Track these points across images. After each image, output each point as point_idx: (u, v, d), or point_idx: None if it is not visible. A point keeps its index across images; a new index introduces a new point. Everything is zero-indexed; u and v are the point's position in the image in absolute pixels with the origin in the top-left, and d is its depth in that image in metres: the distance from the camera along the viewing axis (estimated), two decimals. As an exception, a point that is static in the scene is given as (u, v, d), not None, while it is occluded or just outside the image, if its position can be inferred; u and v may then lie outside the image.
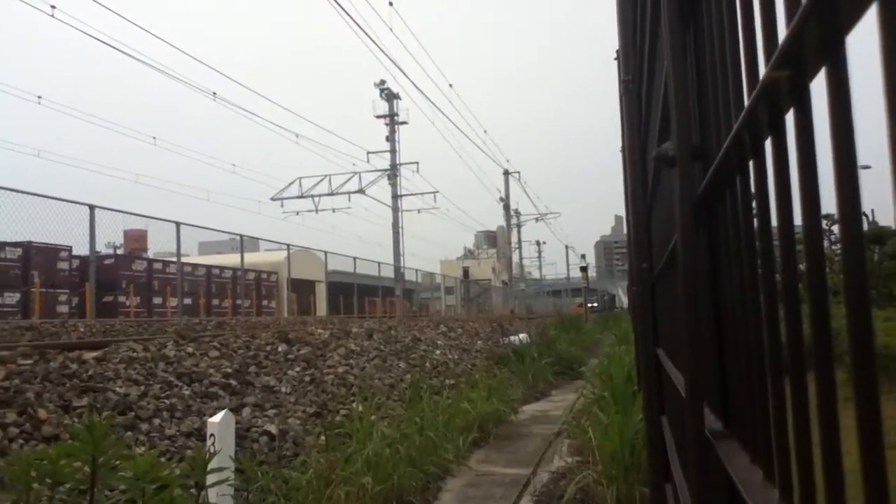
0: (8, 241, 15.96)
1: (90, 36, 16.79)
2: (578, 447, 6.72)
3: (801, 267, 0.70)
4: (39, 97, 25.19)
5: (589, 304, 52.87)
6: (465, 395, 8.69)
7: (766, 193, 0.85)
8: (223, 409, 5.26)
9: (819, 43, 0.58)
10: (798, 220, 0.69)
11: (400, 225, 32.18)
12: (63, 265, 18.25)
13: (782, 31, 0.66)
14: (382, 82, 31.98)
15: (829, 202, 0.62)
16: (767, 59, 0.73)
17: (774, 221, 0.78)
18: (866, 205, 0.56)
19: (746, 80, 0.93)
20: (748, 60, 0.91)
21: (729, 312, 1.27)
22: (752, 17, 0.89)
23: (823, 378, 0.62)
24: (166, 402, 6.25)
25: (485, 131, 41.81)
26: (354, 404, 7.26)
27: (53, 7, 16.05)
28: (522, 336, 18.60)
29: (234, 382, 7.42)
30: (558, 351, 15.50)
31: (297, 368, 8.88)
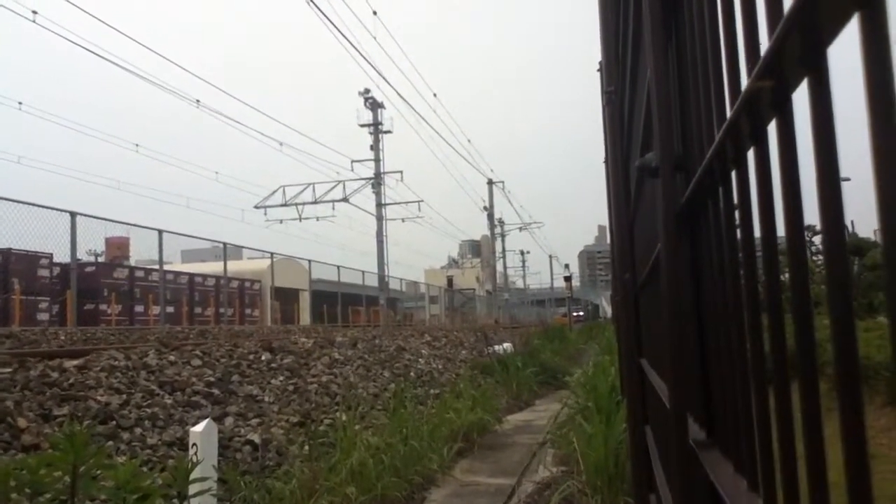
0: (-13, 248, 15.83)
1: (72, 42, 16.71)
2: (563, 457, 6.72)
3: (784, 277, 0.71)
4: (20, 103, 24.97)
5: (575, 314, 52.97)
6: (449, 405, 8.67)
7: (749, 204, 0.86)
8: (206, 418, 5.22)
9: (801, 54, 0.58)
10: (781, 230, 0.70)
11: (384, 234, 32.11)
12: (44, 272, 18.08)
13: (765, 42, 0.66)
14: (367, 91, 31.97)
15: (811, 213, 0.62)
16: (750, 70, 0.74)
17: (757, 232, 0.79)
18: (847, 216, 0.56)
19: (729, 90, 0.94)
20: (730, 71, 0.92)
21: (712, 322, 1.27)
22: (734, 28, 0.90)
23: (807, 388, 0.62)
24: (148, 410, 6.20)
25: (469, 140, 41.85)
26: (338, 413, 7.22)
27: (35, 12, 15.95)
28: (507, 345, 18.60)
29: (216, 391, 7.37)
30: (542, 360, 15.51)
31: (281, 377, 8.84)
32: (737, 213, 0.94)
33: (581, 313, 70.68)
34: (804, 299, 0.63)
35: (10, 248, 16.46)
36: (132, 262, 25.05)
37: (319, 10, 16.58)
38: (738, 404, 0.98)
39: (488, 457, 7.59)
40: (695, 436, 1.39)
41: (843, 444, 0.52)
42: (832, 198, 0.54)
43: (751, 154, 0.81)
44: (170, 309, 21.33)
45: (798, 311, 0.63)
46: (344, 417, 6.63)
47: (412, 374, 12.26)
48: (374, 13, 24.26)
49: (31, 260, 17.63)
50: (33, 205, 13.74)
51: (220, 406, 7.08)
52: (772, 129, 0.70)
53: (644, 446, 3.11)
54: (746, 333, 0.91)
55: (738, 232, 0.94)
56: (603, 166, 7.82)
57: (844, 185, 0.55)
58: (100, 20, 15.99)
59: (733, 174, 0.94)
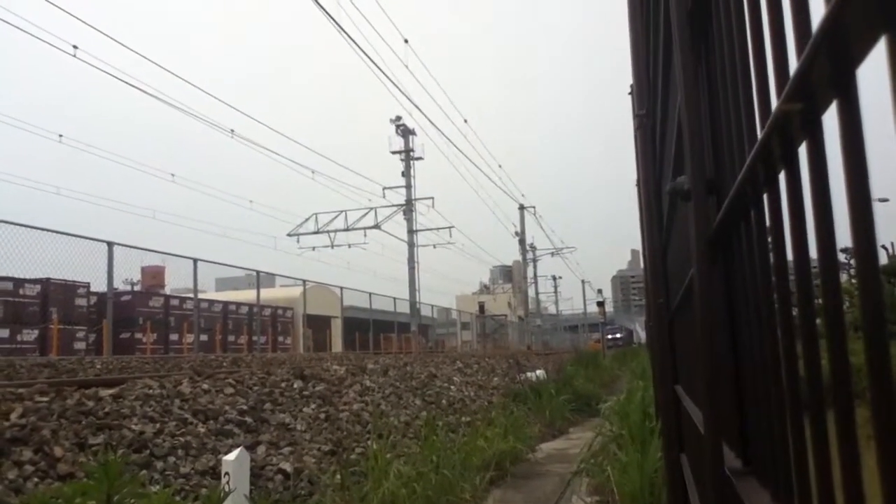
0: (27, 277, 16.12)
1: (111, 75, 17.15)
2: (597, 486, 6.62)
3: (819, 301, 0.69)
4: (60, 135, 25.55)
5: (611, 336, 52.22)
6: (481, 433, 8.61)
7: (782, 226, 0.85)
8: (238, 446, 5.24)
9: (830, 76, 0.57)
10: (814, 253, 0.68)
11: (415, 260, 32.18)
12: (81, 302, 18.36)
13: (794, 64, 0.66)
14: (398, 118, 32.27)
15: (846, 235, 0.61)
16: (779, 93, 0.73)
17: (790, 255, 0.78)
18: (886, 238, 0.55)
19: (759, 113, 0.93)
20: (760, 93, 0.91)
21: (746, 347, 1.25)
22: (763, 51, 0.89)
23: (843, 415, 0.60)
24: (181, 439, 6.24)
25: (500, 166, 41.98)
26: (370, 442, 7.20)
27: (76, 47, 16.40)
28: (539, 372, 18.45)
29: (249, 420, 7.40)
30: (576, 387, 15.34)
31: (313, 405, 8.85)
32: (769, 236, 0.93)
33: (619, 335, 69.63)
34: (838, 324, 0.62)
35: (49, 278, 16.77)
36: (167, 291, 25.37)
37: (354, 41, 16.82)
38: (775, 432, 0.96)
39: (521, 486, 7.50)
40: (730, 464, 1.37)
41: (880, 473, 0.50)
42: (864, 219, 0.53)
43: (782, 176, 0.80)
44: (204, 337, 21.53)
45: (832, 336, 0.62)
46: (375, 446, 6.61)
47: (444, 401, 12.20)
48: (406, 41, 24.55)
49: (68, 289, 17.92)
50: (71, 235, 14.00)
51: (253, 434, 7.10)
52: (803, 151, 0.70)
53: (680, 475, 3.05)
54: (781, 359, 0.89)
55: (771, 255, 0.93)
56: (635, 189, 7.79)
57: (884, 207, 0.54)
58: (137, 52, 16.43)
59: (765, 197, 0.93)
